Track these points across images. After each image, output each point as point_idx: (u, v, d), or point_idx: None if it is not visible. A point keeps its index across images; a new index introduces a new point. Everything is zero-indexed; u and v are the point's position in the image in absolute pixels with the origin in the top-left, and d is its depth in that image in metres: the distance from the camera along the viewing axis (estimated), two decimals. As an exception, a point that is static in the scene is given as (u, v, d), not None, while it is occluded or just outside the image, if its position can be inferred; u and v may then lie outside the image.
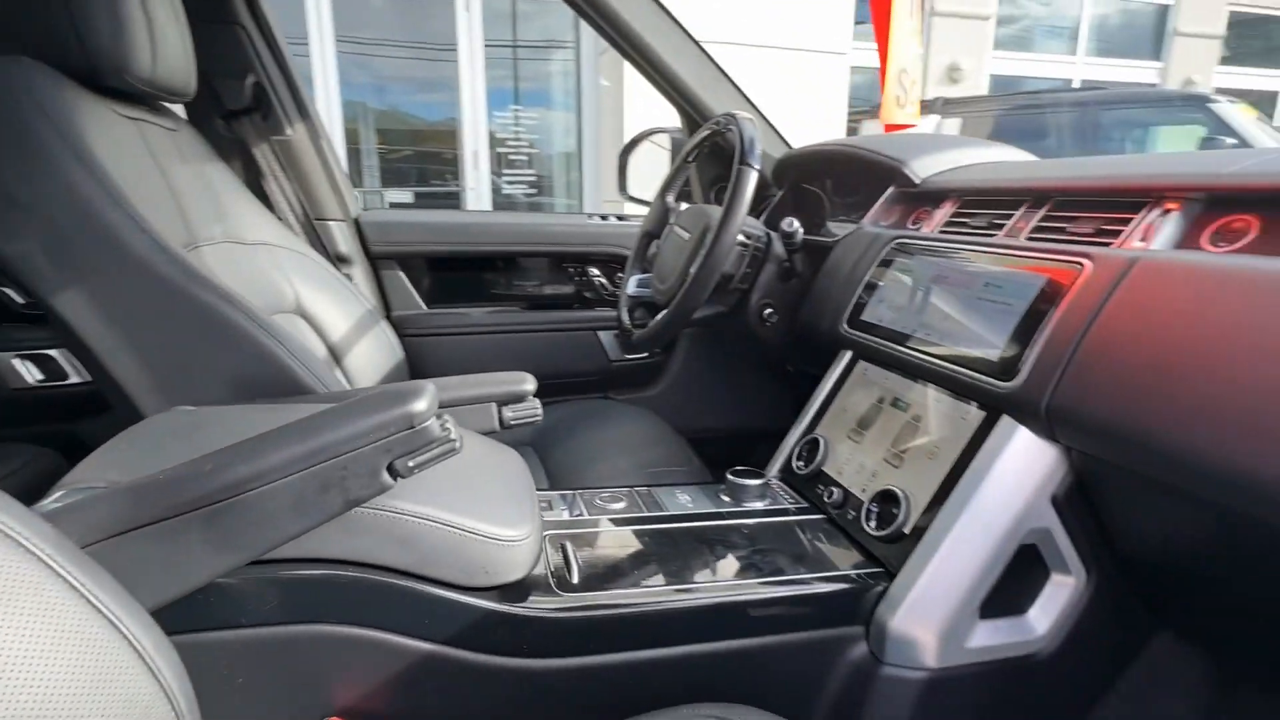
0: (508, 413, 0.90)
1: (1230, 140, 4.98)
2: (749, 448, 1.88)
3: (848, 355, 0.99)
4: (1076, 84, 9.39)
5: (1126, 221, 0.71)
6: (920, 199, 1.06)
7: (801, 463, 0.94)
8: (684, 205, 1.33)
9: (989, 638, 0.72)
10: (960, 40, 8.79)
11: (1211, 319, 0.56)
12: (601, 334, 1.62)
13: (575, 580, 0.69)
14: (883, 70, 0.80)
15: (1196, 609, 0.73)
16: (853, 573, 0.74)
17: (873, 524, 0.78)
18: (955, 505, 0.70)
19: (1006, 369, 0.70)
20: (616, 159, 1.92)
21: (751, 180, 1.03)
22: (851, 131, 6.18)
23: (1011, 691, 0.74)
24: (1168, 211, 0.68)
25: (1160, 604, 0.76)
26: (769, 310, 1.16)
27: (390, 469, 0.53)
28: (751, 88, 1.54)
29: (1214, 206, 0.66)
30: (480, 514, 0.64)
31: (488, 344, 1.54)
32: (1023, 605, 0.74)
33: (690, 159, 1.32)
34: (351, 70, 4.95)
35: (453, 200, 5.45)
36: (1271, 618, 0.65)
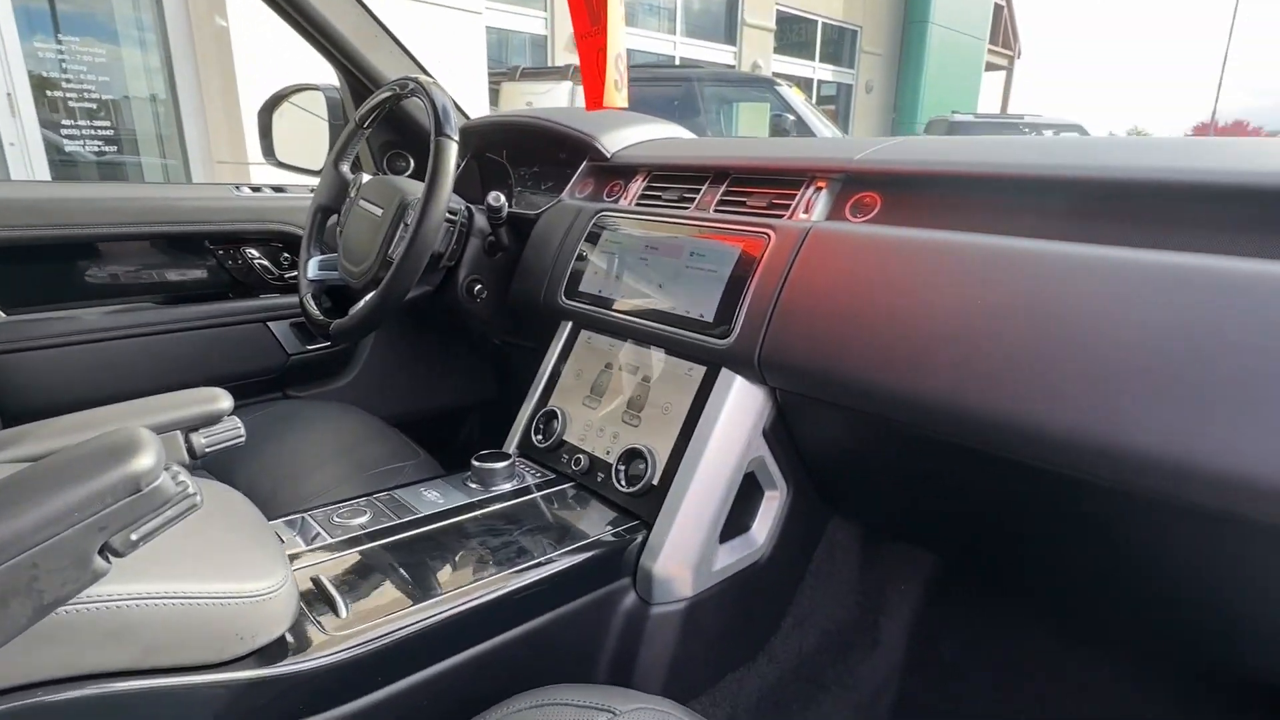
0: (199, 440, 0.73)
1: (790, 116, 6.27)
2: (457, 424, 1.84)
3: (569, 326, 1.03)
4: (676, 60, 10.79)
5: (792, 197, 0.87)
6: (613, 173, 1.13)
7: (540, 436, 0.96)
8: (365, 176, 1.21)
9: (727, 558, 0.84)
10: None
11: (862, 275, 0.72)
12: (273, 325, 1.40)
13: (342, 616, 0.62)
14: (590, 49, 0.83)
15: (854, 494, 0.96)
16: (612, 531, 0.80)
17: (623, 482, 0.84)
18: (694, 454, 0.80)
19: (720, 328, 0.81)
20: (257, 117, 1.64)
21: (453, 153, 0.98)
22: (494, 94, 6.20)
23: (744, 596, 0.88)
24: (819, 189, 0.85)
25: (832, 497, 0.97)
26: (479, 287, 1.13)
27: (104, 549, 0.40)
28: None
29: (849, 185, 0.84)
30: (217, 570, 0.52)
31: (118, 353, 1.22)
32: (747, 524, 0.88)
33: (365, 125, 1.20)
34: None
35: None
36: (901, 494, 0.89)
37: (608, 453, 0.89)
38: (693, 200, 0.98)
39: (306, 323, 1.13)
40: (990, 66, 17.89)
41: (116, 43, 4.43)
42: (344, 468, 1.04)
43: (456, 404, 1.75)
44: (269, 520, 0.77)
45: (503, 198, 1.07)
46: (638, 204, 1.05)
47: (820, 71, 13.58)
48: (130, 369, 1.24)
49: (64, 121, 4.25)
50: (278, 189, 1.44)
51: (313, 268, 1.20)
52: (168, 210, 1.27)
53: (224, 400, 0.75)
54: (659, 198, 1.03)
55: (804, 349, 0.74)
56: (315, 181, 1.59)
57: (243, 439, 0.76)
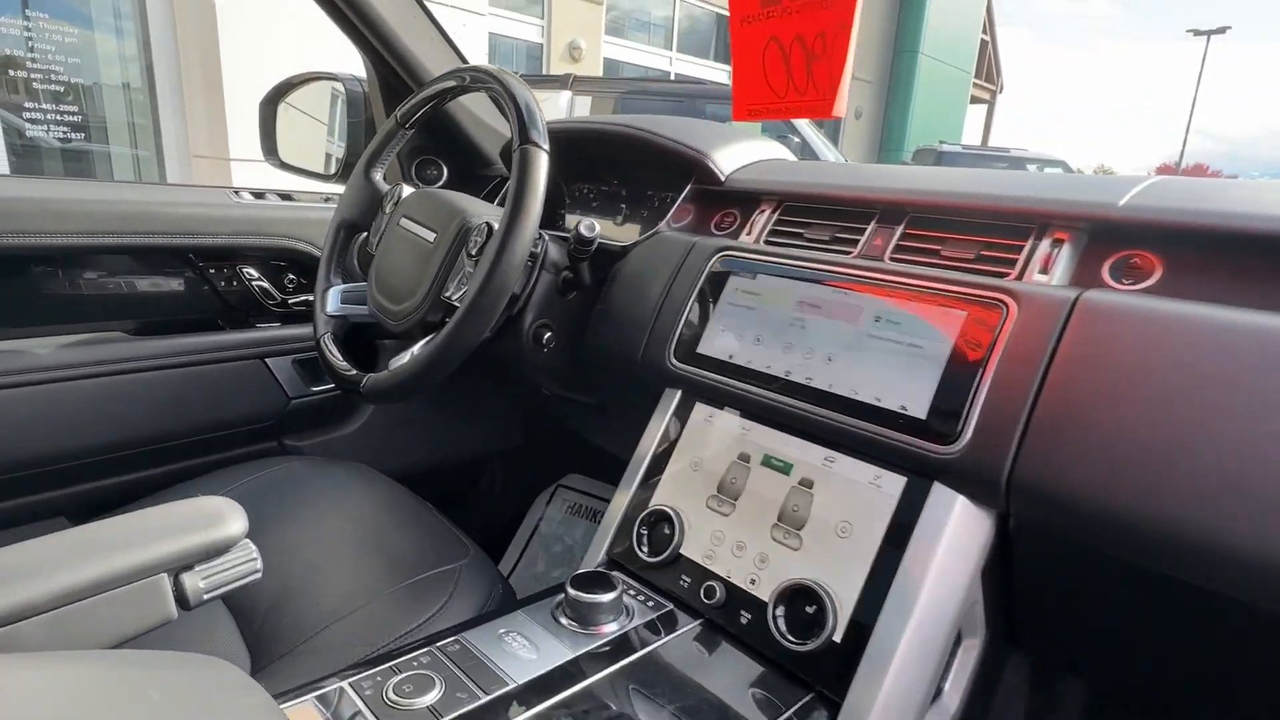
0: (197, 582, 0.48)
1: (795, 138, 6.13)
2: (475, 475, 1.59)
3: (677, 396, 0.79)
4: (672, 75, 10.67)
5: (1014, 250, 0.65)
6: (722, 200, 0.91)
7: (648, 548, 0.73)
8: (404, 189, 0.97)
9: (923, 737, 0.61)
10: (578, 21, 9.19)
11: (1173, 372, 0.50)
12: (272, 362, 1.14)
13: None
14: (753, 38, 0.60)
15: (1064, 640, 0.74)
16: (787, 711, 0.56)
17: (786, 632, 0.61)
18: (901, 601, 0.57)
19: (939, 429, 0.59)
20: (258, 109, 1.39)
21: (544, 167, 0.75)
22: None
23: None
24: (1059, 241, 0.63)
25: (1021, 635, 0.75)
26: (548, 334, 0.89)
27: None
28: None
29: (1104, 239, 0.62)
30: None
31: (75, 397, 0.95)
32: (940, 684, 0.65)
33: (408, 124, 0.96)
34: None
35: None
36: (1127, 644, 0.67)
37: (752, 582, 0.65)
38: (854, 243, 0.75)
39: (328, 374, 0.88)
40: (973, 99, 18.17)
41: (89, 22, 4.11)
42: (375, 571, 0.79)
43: (476, 454, 1.50)
44: (280, 693, 0.52)
45: (595, 225, 0.84)
46: (767, 241, 0.82)
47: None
48: (91, 416, 0.98)
49: (26, 104, 3.90)
50: (284, 196, 1.18)
51: (333, 299, 0.95)
52: (148, 218, 1.01)
53: (234, 522, 0.50)
54: (798, 236, 0.80)
55: (1086, 474, 0.51)
56: (327, 188, 1.34)
57: (259, 574, 0.52)
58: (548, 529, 1.57)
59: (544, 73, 8.55)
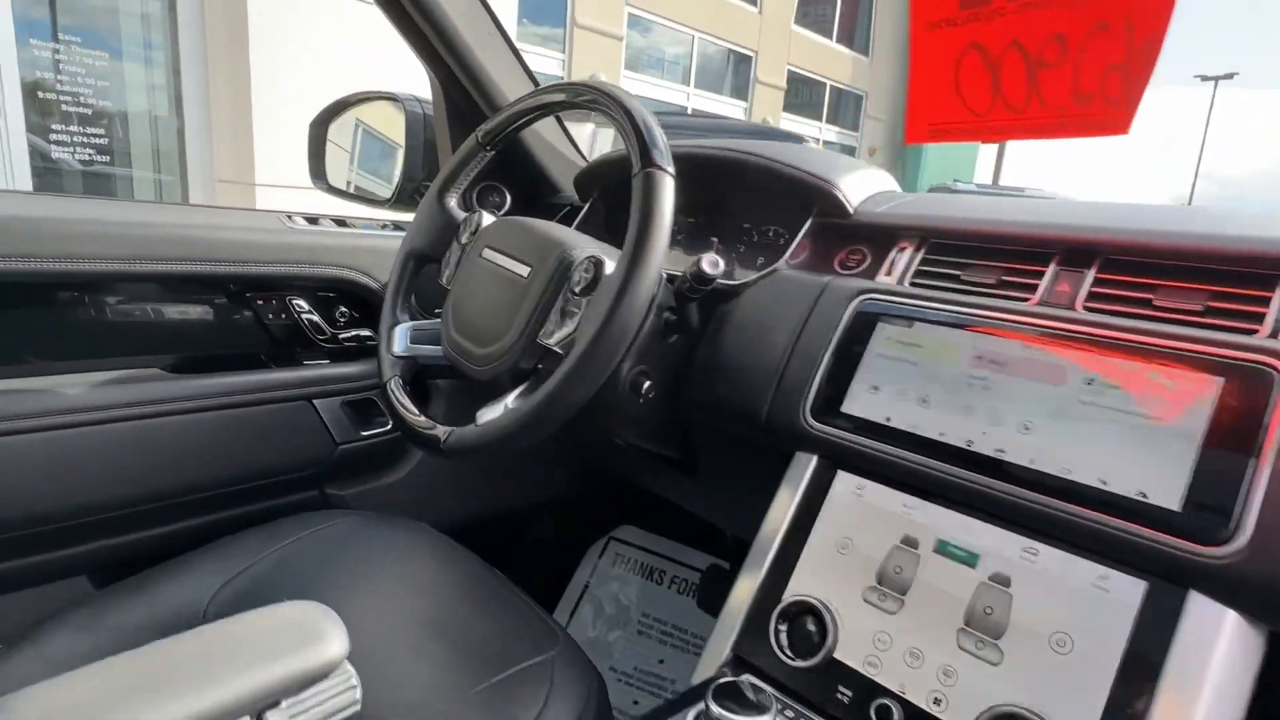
0: (284, 723, 0.37)
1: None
2: (524, 525, 1.46)
3: (814, 462, 0.68)
4: (689, 110, 10.75)
5: (1256, 300, 0.54)
6: (848, 235, 0.80)
7: (790, 650, 0.60)
8: (485, 216, 0.87)
9: None
10: (599, 56, 9.29)
11: None
12: (320, 404, 1.03)
13: None
14: (945, 44, 0.51)
15: None
16: None
17: (995, 775, 0.49)
18: (1160, 747, 0.45)
19: (1199, 526, 0.47)
20: (308, 131, 1.30)
21: (671, 194, 0.65)
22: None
23: None
24: (1314, 292, 0.52)
25: None
26: (648, 383, 0.78)
27: None
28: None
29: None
30: None
31: (106, 442, 0.84)
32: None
33: (490, 145, 0.87)
34: None
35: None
36: None
37: (937, 702, 0.53)
38: (1029, 289, 0.64)
39: (396, 425, 0.77)
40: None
41: (119, 47, 4.11)
42: (457, 663, 0.67)
43: (527, 503, 1.39)
44: None
45: (720, 262, 0.73)
46: (912, 284, 0.72)
47: (826, 132, 13.71)
48: (121, 464, 0.87)
49: (57, 128, 3.88)
50: (339, 222, 1.09)
51: (400, 339, 0.85)
52: (193, 243, 0.91)
53: (334, 640, 0.39)
54: (952, 279, 0.69)
55: None
56: (381, 215, 1.25)
57: (358, 707, 0.40)
58: (600, 586, 1.44)
59: (564, 105, 8.61)
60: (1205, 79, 22.97)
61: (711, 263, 0.72)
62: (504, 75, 1.06)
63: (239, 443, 0.96)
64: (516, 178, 1.16)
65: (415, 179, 1.21)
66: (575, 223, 1.09)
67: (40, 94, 3.80)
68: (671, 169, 0.65)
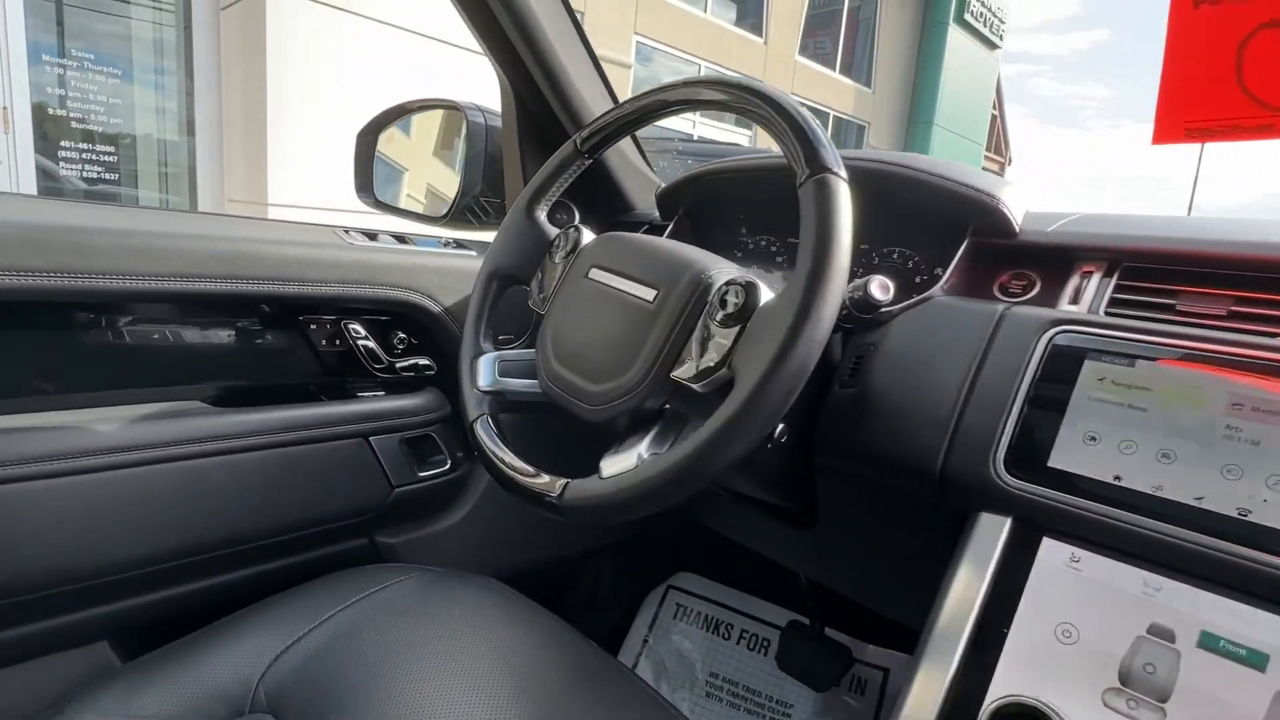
0: None
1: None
2: (579, 573, 1.34)
3: (1008, 525, 0.57)
4: (694, 138, 10.78)
5: None
6: (1011, 257, 0.70)
7: None
8: (585, 232, 0.76)
9: None
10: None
11: None
12: (377, 440, 0.92)
13: None
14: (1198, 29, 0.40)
15: None
16: None
17: None
18: None
19: None
20: (355, 141, 1.21)
21: (849, 201, 0.54)
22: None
23: None
24: None
25: None
26: (780, 425, 0.67)
27: None
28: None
29: None
30: None
31: (140, 488, 0.73)
32: None
33: (590, 150, 0.77)
34: None
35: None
36: None
37: None
38: (1273, 321, 0.54)
39: (493, 474, 0.66)
40: (984, 170, 18.48)
41: (131, 71, 4.05)
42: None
43: (586, 548, 1.26)
44: None
45: (891, 287, 0.63)
46: (1108, 313, 0.61)
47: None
48: (156, 512, 0.75)
49: (65, 145, 3.80)
50: (399, 239, 0.98)
51: (486, 371, 0.73)
52: (249, 259, 0.80)
53: None
54: (1163, 308, 0.59)
55: None
56: (434, 231, 1.14)
57: None
58: (661, 640, 1.31)
59: (573, 131, 8.61)
60: (1198, 114, 23.34)
61: (882, 287, 0.62)
62: (585, 83, 0.97)
63: (288, 487, 0.84)
64: (588, 193, 1.06)
65: (474, 193, 1.11)
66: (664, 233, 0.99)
67: (50, 112, 3.72)
68: (845, 173, 0.55)
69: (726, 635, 1.28)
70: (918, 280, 0.80)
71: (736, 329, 0.56)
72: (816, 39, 12.99)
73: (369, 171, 1.20)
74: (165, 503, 0.75)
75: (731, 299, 0.57)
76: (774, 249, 0.96)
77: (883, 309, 0.64)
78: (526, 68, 0.93)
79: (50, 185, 3.81)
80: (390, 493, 0.93)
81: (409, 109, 1.15)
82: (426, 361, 0.99)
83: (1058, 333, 0.59)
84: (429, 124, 1.20)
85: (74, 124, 3.86)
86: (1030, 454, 0.56)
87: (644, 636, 1.31)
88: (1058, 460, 0.55)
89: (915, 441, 0.62)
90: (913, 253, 0.81)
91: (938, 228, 0.75)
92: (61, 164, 3.86)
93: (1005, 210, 0.70)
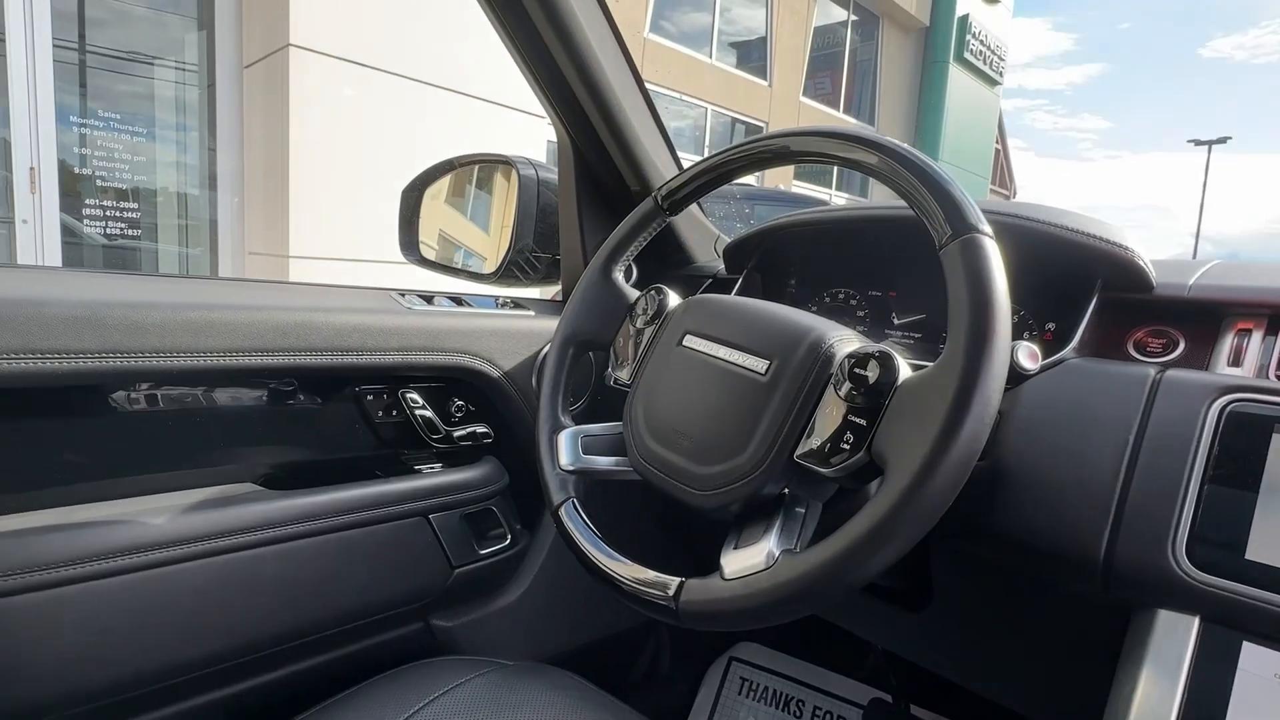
0: None
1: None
2: (637, 648, 1.25)
3: (1194, 625, 0.49)
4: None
5: None
6: (1145, 314, 0.64)
7: None
8: (669, 294, 0.71)
9: None
10: (616, 128, 9.47)
11: None
12: (437, 518, 0.85)
13: None
14: None
15: None
16: None
17: None
18: None
19: None
20: (400, 199, 1.17)
21: (1000, 262, 0.48)
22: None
23: None
24: None
25: None
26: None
27: None
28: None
29: None
30: None
31: (188, 584, 0.66)
32: None
33: (671, 207, 0.72)
34: None
35: (-14, 238, 3.63)
36: None
37: None
38: None
39: (591, 572, 0.59)
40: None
41: (153, 129, 4.11)
42: None
43: (643, 620, 1.18)
44: None
45: (1039, 354, 0.57)
46: None
47: (836, 199, 13.87)
48: (204, 611, 0.68)
49: (90, 203, 3.84)
50: (456, 300, 0.93)
51: (568, 448, 0.67)
52: (308, 330, 0.74)
53: None
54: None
55: None
56: (487, 290, 1.09)
57: None
58: (727, 719, 1.22)
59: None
60: (1199, 144, 23.48)
61: (1031, 355, 0.56)
62: (649, 138, 0.93)
63: (347, 574, 0.77)
64: (650, 247, 1.01)
65: (525, 250, 1.07)
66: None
67: (75, 171, 3.77)
68: (990, 229, 0.49)
69: (798, 713, 1.19)
70: (1025, 335, 0.74)
71: (875, 407, 0.50)
72: (818, 80, 13.21)
73: (414, 229, 1.16)
74: (218, 599, 0.69)
75: (866, 373, 0.51)
76: (854, 303, 0.91)
77: (1032, 373, 0.58)
78: (589, 121, 0.90)
79: (72, 241, 3.83)
80: (450, 574, 0.86)
81: (455, 164, 1.12)
82: (484, 429, 0.94)
83: (1233, 400, 0.52)
84: (479, 178, 1.16)
85: (98, 182, 3.90)
86: (1221, 543, 0.49)
87: (709, 714, 1.22)
88: (1259, 553, 0.48)
89: (1069, 524, 0.55)
90: (1018, 307, 0.75)
91: (1054, 281, 0.69)
92: (85, 221, 3.89)
93: (1141, 263, 0.64)
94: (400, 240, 1.17)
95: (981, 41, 14.61)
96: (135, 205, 4.04)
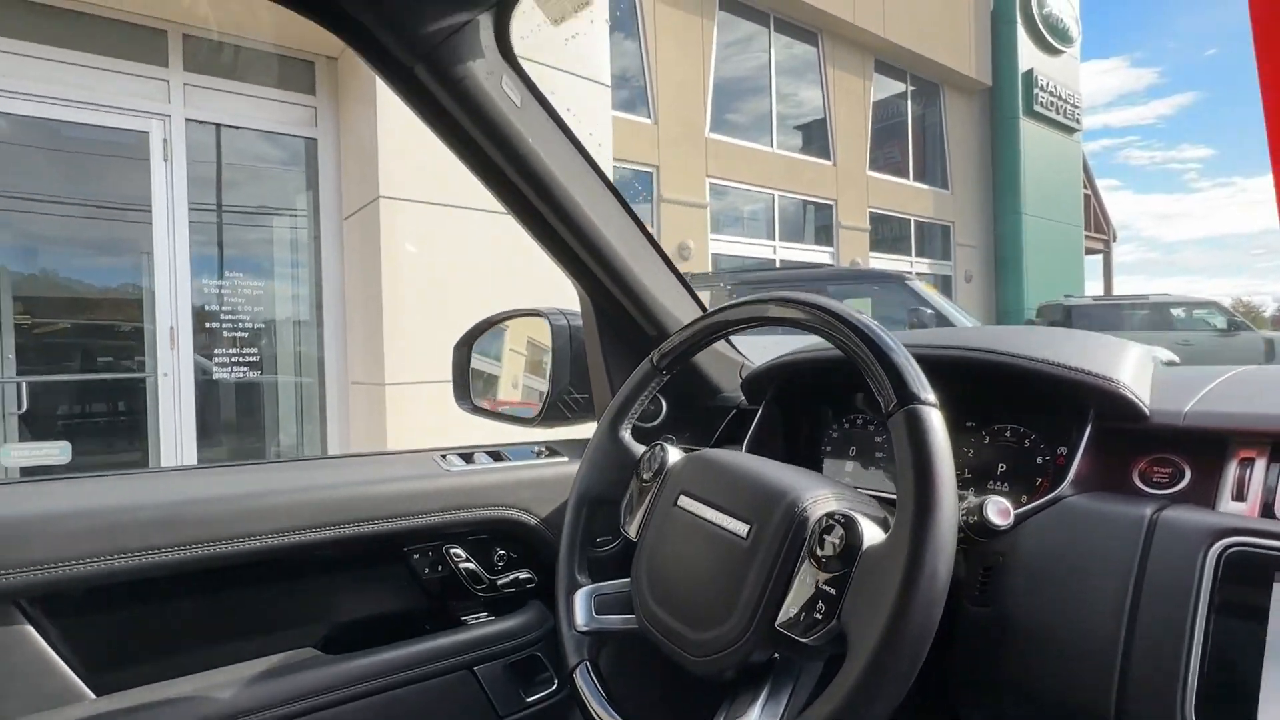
0: None
1: (928, 310, 5.89)
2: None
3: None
4: (776, 263, 11.00)
5: None
6: (1144, 444, 0.63)
7: None
8: (671, 451, 0.75)
9: None
10: (685, 224, 9.80)
11: None
12: (483, 669, 0.90)
13: None
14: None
15: None
16: None
17: None
18: None
19: None
20: (452, 353, 1.29)
21: (945, 432, 0.50)
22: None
23: None
24: None
25: None
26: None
27: None
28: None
29: None
30: None
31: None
32: None
33: (667, 368, 0.77)
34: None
35: (136, 388, 4.15)
36: None
37: None
38: None
39: None
40: (1088, 250, 17.67)
41: (271, 278, 4.65)
42: None
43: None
44: None
45: (1011, 511, 0.57)
46: (1284, 514, 0.52)
47: (917, 265, 13.60)
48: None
49: (216, 350, 4.34)
50: (494, 455, 1.01)
51: (583, 608, 0.71)
52: (356, 503, 0.83)
53: None
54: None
55: None
56: (531, 435, 1.17)
57: None
58: None
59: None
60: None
61: (1001, 512, 0.56)
62: (661, 288, 1.00)
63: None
64: (674, 384, 1.06)
65: (562, 392, 1.14)
66: (750, 431, 0.96)
67: (207, 323, 4.28)
68: (934, 397, 0.51)
69: None
70: (1039, 461, 0.73)
71: (844, 574, 0.51)
72: (885, 151, 13.27)
73: (466, 381, 1.27)
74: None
75: (831, 539, 0.53)
76: (872, 428, 0.92)
77: (1002, 529, 0.58)
78: (599, 279, 0.98)
79: (204, 379, 4.31)
80: (497, 723, 0.90)
81: (494, 321, 1.23)
82: (527, 574, 0.98)
83: (1230, 546, 0.50)
84: (517, 331, 1.27)
85: (225, 331, 4.41)
86: (1229, 701, 0.46)
87: None
88: (1272, 711, 0.45)
89: (1077, 678, 0.53)
90: (1028, 431, 0.74)
91: (1053, 406, 0.68)
92: (216, 366, 4.38)
93: (1128, 394, 0.63)
94: (455, 392, 1.28)
95: (1051, 92, 14.36)
96: (255, 350, 4.52)
